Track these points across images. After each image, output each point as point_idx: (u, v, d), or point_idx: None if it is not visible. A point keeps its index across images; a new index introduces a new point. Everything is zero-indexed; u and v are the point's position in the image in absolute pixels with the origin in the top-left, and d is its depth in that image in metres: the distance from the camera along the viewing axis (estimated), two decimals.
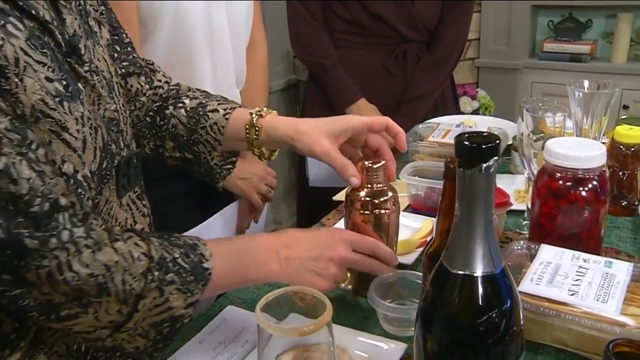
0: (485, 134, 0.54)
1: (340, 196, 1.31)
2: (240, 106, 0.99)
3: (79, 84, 0.71)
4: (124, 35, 0.95)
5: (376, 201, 0.87)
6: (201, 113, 0.96)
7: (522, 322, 0.58)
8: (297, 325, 0.58)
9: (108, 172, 0.76)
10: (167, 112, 0.97)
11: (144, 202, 0.90)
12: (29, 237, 0.61)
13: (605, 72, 3.01)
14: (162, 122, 0.97)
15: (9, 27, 0.61)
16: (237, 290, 0.97)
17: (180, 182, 1.28)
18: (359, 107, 1.74)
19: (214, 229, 1.29)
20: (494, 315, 0.55)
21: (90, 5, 0.83)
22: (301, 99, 3.26)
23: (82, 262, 0.64)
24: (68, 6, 0.74)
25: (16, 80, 0.61)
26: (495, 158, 0.52)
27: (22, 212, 0.61)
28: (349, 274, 0.88)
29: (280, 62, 3.21)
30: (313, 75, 1.83)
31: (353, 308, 0.92)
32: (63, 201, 0.64)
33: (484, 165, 0.52)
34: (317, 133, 0.89)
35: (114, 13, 0.94)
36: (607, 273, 0.81)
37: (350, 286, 0.91)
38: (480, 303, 0.55)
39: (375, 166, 0.87)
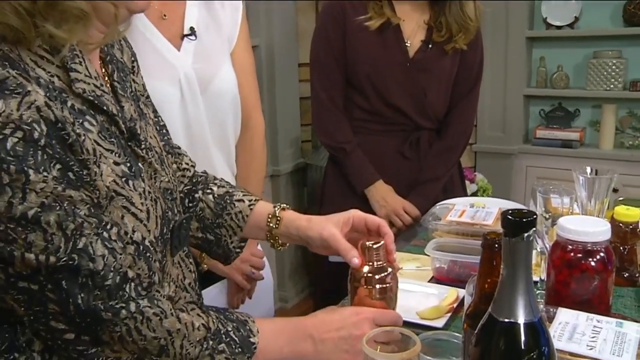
0: (525, 210, 0.69)
1: None
2: (261, 199, 1.14)
3: (139, 164, 0.86)
4: (160, 118, 1.11)
5: (377, 277, 0.99)
6: (228, 201, 1.11)
7: None
8: None
9: (167, 236, 0.90)
10: (196, 195, 1.11)
11: (190, 260, 1.03)
12: (103, 310, 0.74)
13: (594, 158, 3.21)
14: (190, 204, 1.11)
15: (86, 124, 0.76)
16: None
17: None
18: (377, 188, 1.90)
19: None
20: (535, 356, 0.68)
21: (138, 91, 0.99)
22: (309, 181, 3.45)
23: (150, 327, 0.77)
24: (125, 94, 0.89)
25: (95, 169, 0.75)
26: (534, 229, 0.67)
27: (98, 286, 0.74)
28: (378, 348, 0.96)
29: (289, 146, 3.40)
30: (333, 158, 2.00)
31: None
32: (130, 273, 0.77)
33: (526, 234, 0.67)
34: (325, 222, 1.06)
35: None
36: (619, 332, 0.94)
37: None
38: (524, 345, 0.68)
39: (375, 246, 0.99)
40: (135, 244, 0.80)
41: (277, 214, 1.09)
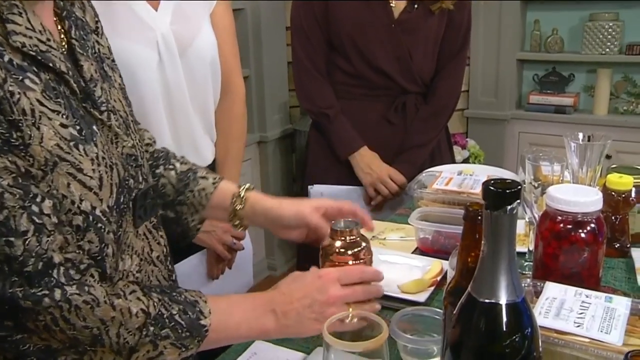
0: (508, 180, 0.62)
1: None
2: (224, 178, 1.09)
3: (94, 127, 0.79)
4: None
5: (350, 252, 0.93)
6: (191, 177, 1.05)
7: (540, 347, 0.66)
8: None
9: (125, 205, 0.83)
10: (157, 171, 1.05)
11: (160, 233, 0.96)
12: (22, 298, 0.67)
13: (588, 124, 3.15)
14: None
15: (27, 81, 0.69)
16: None
17: None
18: (362, 155, 1.83)
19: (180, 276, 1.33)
20: (517, 339, 0.63)
21: (103, 53, 0.92)
22: (297, 148, 3.38)
23: (79, 316, 0.70)
24: (85, 54, 0.82)
25: (31, 131, 0.68)
26: (518, 201, 0.61)
27: (16, 272, 0.67)
28: (350, 309, 0.89)
29: (277, 112, 3.32)
30: (316, 125, 1.93)
31: None
32: (57, 258, 0.69)
33: (509, 207, 0.60)
34: (299, 202, 1.01)
35: None
36: (608, 307, 0.89)
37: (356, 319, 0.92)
38: (505, 327, 0.63)
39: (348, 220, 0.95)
40: (83, 214, 0.73)
41: (241, 195, 1.04)
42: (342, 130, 1.84)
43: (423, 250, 1.31)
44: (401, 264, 1.22)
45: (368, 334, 0.66)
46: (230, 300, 0.87)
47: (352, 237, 0.93)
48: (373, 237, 1.39)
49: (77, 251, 0.73)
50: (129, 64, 1.27)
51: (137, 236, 0.88)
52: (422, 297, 1.09)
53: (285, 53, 3.30)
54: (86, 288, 0.71)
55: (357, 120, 1.85)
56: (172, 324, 0.76)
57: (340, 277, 0.88)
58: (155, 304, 0.76)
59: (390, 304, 1.08)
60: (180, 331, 0.77)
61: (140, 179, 0.88)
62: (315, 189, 1.88)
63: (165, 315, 0.76)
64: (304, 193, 1.93)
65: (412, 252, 1.31)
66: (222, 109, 1.53)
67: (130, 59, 1.27)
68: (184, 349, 0.77)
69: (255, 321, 0.84)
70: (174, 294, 0.80)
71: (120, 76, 0.98)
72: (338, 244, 0.93)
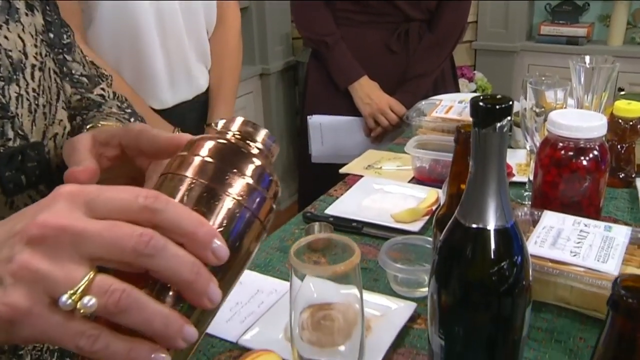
0: (499, 96, 0.57)
1: (347, 169, 1.34)
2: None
3: None
4: (78, 50, 0.83)
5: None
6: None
7: (530, 275, 0.62)
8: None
9: None
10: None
11: None
12: None
13: (602, 55, 3.04)
14: None
15: None
16: None
17: None
18: (362, 84, 1.77)
19: None
20: (506, 266, 0.59)
21: None
22: (300, 81, 3.29)
23: None
24: None
25: None
26: (509, 118, 0.56)
27: None
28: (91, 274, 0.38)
29: (279, 43, 3.23)
30: (315, 53, 1.86)
31: (362, 271, 0.95)
32: None
33: (498, 124, 0.55)
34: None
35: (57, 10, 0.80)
36: (606, 236, 0.85)
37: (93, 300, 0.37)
38: (493, 254, 0.59)
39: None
40: None
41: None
42: (342, 59, 1.77)
43: (420, 179, 1.27)
44: (396, 194, 1.19)
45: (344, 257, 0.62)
46: None
47: (238, 134, 0.46)
48: (369, 166, 1.35)
49: None
50: None
51: (12, 207, 0.66)
52: (415, 227, 1.05)
53: None
54: None
55: (357, 48, 1.78)
56: None
57: (91, 197, 0.40)
58: None
59: (382, 234, 1.05)
60: None
61: (11, 134, 0.65)
62: (314, 119, 1.83)
63: None
64: (304, 125, 1.88)
65: (409, 182, 1.26)
66: (215, 39, 1.51)
67: None
68: None
69: None
70: None
71: (47, 18, 0.76)
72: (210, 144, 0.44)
